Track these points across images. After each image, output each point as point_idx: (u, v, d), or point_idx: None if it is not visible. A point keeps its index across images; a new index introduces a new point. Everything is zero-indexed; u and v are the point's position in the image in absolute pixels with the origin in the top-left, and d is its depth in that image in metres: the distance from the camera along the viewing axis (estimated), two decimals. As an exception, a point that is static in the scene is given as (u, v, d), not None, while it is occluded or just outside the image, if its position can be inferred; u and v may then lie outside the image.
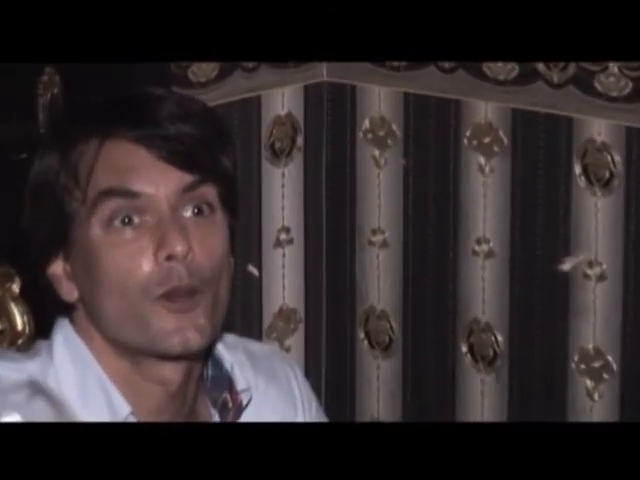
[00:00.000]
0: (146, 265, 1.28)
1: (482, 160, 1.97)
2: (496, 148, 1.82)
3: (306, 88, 2.29)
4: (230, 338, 1.48)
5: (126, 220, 1.29)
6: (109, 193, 1.29)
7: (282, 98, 2.31)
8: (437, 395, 2.05)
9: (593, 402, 1.89)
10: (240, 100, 2.23)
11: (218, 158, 1.35)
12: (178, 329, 1.28)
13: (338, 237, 2.30)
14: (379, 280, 2.17)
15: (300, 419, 1.58)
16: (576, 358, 1.86)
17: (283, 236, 2.24)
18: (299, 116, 2.28)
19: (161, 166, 1.30)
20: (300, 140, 2.28)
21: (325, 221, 2.34)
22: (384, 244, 2.17)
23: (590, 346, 1.87)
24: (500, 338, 1.94)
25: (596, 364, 1.83)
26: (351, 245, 2.26)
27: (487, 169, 1.89)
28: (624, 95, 1.71)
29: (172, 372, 1.34)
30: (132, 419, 1.37)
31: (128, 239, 1.30)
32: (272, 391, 1.53)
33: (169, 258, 1.26)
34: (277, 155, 2.27)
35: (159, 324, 1.29)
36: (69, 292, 1.34)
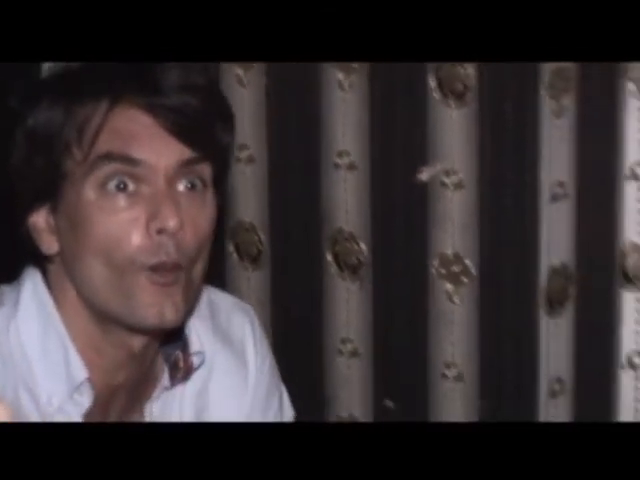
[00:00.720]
0: (137, 235, 1.32)
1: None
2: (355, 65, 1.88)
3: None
4: None
5: (121, 186, 1.32)
6: (109, 157, 1.31)
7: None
8: (304, 305, 2.14)
9: (454, 304, 1.97)
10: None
11: (219, 135, 1.40)
12: (157, 303, 1.32)
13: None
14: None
15: (249, 386, 1.65)
16: (436, 264, 1.93)
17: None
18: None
19: (164, 137, 1.33)
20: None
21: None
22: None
23: (449, 252, 1.94)
24: (363, 247, 1.99)
25: (455, 269, 1.92)
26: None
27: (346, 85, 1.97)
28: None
29: (138, 341, 1.37)
30: (87, 386, 1.40)
31: (121, 206, 1.33)
32: (226, 353, 1.60)
33: (160, 231, 1.29)
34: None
35: (140, 295, 1.33)
36: (49, 245, 1.36)
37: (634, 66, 2.03)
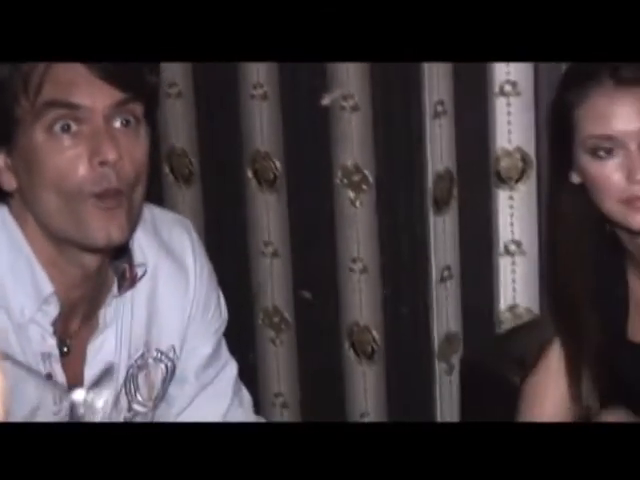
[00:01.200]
0: (82, 169, 1.47)
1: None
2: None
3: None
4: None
5: (65, 127, 1.47)
6: (53, 104, 1.47)
7: None
8: (230, 216, 2.47)
9: (356, 208, 2.26)
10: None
11: (147, 78, 1.55)
12: (104, 226, 1.47)
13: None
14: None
15: (190, 290, 1.81)
16: (340, 174, 2.23)
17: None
18: None
19: (99, 83, 1.48)
20: None
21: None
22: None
23: (349, 163, 2.24)
24: (278, 164, 2.32)
25: (356, 178, 2.22)
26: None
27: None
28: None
29: (91, 259, 1.54)
30: (53, 298, 1.57)
31: (66, 145, 1.49)
32: (169, 262, 1.76)
33: (102, 164, 1.45)
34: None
35: (89, 220, 1.49)
36: (8, 182, 1.52)
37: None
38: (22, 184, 1.55)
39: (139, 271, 1.67)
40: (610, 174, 1.82)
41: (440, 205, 2.35)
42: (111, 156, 1.46)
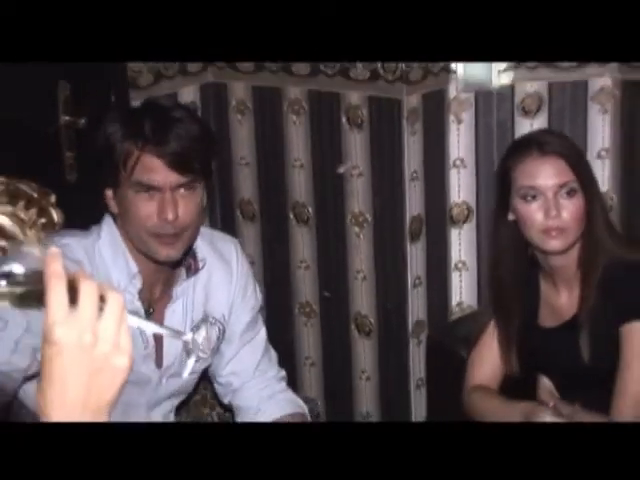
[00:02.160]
0: (151, 220, 2.08)
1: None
2: None
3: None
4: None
5: (145, 193, 2.08)
6: (140, 183, 2.07)
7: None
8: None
9: (359, 239, 2.95)
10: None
11: (205, 166, 2.17)
12: (164, 250, 2.11)
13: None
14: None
15: (233, 281, 2.43)
16: (349, 217, 2.93)
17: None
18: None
19: (168, 171, 2.07)
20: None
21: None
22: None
23: (356, 210, 2.92)
24: (310, 210, 2.98)
25: (360, 219, 2.89)
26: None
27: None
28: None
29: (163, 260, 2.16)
30: (138, 276, 2.17)
31: (144, 203, 2.10)
32: (219, 263, 2.39)
33: (164, 220, 2.06)
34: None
35: (153, 246, 2.12)
36: (113, 207, 2.15)
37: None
38: (120, 212, 2.15)
39: (200, 264, 2.29)
40: (534, 212, 2.41)
41: (414, 237, 3.02)
42: (170, 216, 2.08)
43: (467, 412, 2.69)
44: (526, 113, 3.14)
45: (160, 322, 2.23)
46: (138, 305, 2.22)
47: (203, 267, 2.32)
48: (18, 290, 1.28)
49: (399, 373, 3.26)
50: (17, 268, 1.29)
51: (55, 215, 1.77)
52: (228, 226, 3.30)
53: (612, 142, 3.21)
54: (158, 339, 2.26)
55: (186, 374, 2.24)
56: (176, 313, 2.31)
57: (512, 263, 2.58)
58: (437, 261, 3.22)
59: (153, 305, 2.30)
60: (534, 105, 3.14)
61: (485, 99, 3.17)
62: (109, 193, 2.19)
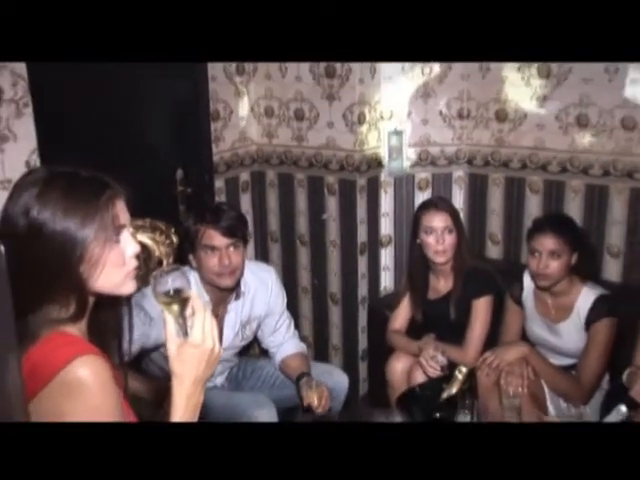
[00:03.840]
0: (214, 267, 2.95)
1: None
2: None
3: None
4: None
5: (210, 250, 2.94)
6: (206, 246, 2.94)
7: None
8: None
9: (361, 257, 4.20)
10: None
11: (243, 233, 3.03)
12: (224, 281, 2.98)
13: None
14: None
15: (268, 296, 3.22)
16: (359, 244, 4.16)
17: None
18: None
19: (223, 237, 2.93)
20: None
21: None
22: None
23: (362, 241, 4.16)
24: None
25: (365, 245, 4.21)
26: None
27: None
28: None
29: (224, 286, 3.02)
30: (209, 302, 2.94)
31: (210, 257, 2.94)
32: (261, 286, 3.23)
33: (223, 266, 2.93)
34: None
35: (216, 279, 2.99)
36: (193, 264, 2.99)
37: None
38: (197, 265, 2.95)
39: (242, 291, 3.10)
40: (430, 241, 3.28)
41: (362, 253, 4.00)
42: (226, 263, 2.88)
43: (389, 343, 3.57)
44: (420, 189, 4.16)
45: (220, 326, 2.96)
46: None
47: (248, 292, 3.15)
48: (180, 300, 1.57)
49: (351, 324, 4.25)
50: (184, 284, 1.58)
51: (174, 240, 2.93)
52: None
53: (465, 204, 4.15)
54: (220, 330, 2.95)
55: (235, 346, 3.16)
56: (230, 321, 3.12)
57: (417, 265, 3.50)
58: (373, 265, 4.22)
59: (218, 314, 3.00)
60: (424, 184, 4.16)
61: (399, 181, 4.16)
62: (190, 257, 3.02)
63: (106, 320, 1.65)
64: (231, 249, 2.88)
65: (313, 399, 2.85)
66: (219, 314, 3.00)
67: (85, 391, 1.41)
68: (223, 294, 3.02)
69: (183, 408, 1.54)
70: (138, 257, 1.59)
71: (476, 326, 3.32)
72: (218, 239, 2.86)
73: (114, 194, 1.55)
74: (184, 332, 1.55)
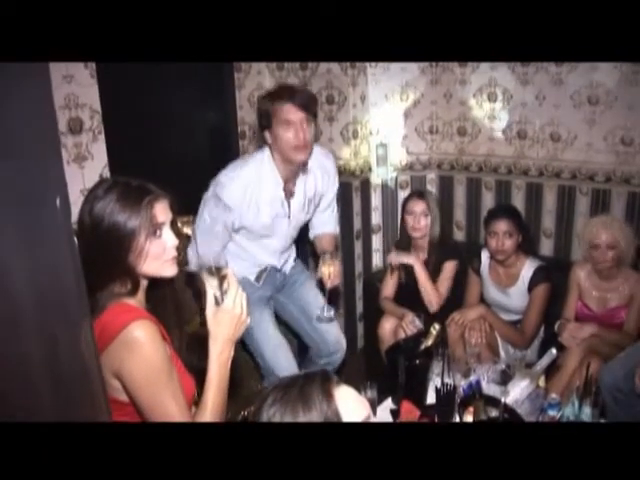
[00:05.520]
0: (290, 140, 2.49)
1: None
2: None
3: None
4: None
5: (286, 125, 2.47)
6: (283, 121, 2.47)
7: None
8: None
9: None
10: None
11: (315, 110, 2.55)
12: (299, 156, 2.52)
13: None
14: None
15: (327, 183, 2.81)
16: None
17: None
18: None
19: (298, 111, 2.47)
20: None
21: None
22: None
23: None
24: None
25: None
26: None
27: None
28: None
29: (295, 163, 2.56)
30: (281, 180, 2.57)
31: (286, 131, 2.49)
32: (321, 168, 2.77)
33: (299, 140, 2.49)
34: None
35: (293, 154, 2.51)
36: (269, 140, 2.55)
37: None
38: (273, 141, 2.55)
39: (310, 167, 2.68)
40: (409, 221, 3.32)
41: (357, 238, 3.97)
42: (301, 136, 2.49)
43: (381, 308, 3.48)
44: (402, 188, 4.16)
45: (288, 201, 2.67)
46: (282, 194, 2.64)
47: (310, 171, 2.73)
48: (219, 276, 1.57)
49: (350, 293, 4.18)
50: (222, 264, 1.58)
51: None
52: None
53: (436, 199, 3.76)
54: (289, 208, 2.68)
55: (302, 217, 2.77)
56: (299, 194, 2.73)
57: (403, 240, 3.48)
58: (366, 248, 4.17)
59: (287, 192, 2.67)
60: (404, 185, 4.15)
61: (385, 182, 4.15)
62: (266, 133, 2.58)
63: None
64: (304, 125, 2.52)
65: (324, 273, 2.65)
66: (289, 189, 2.68)
67: (138, 347, 1.45)
68: (293, 170, 2.67)
69: (216, 361, 1.57)
70: (178, 248, 1.62)
71: (443, 283, 3.37)
72: (294, 113, 2.49)
73: (154, 198, 1.58)
74: (220, 300, 1.57)
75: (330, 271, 2.61)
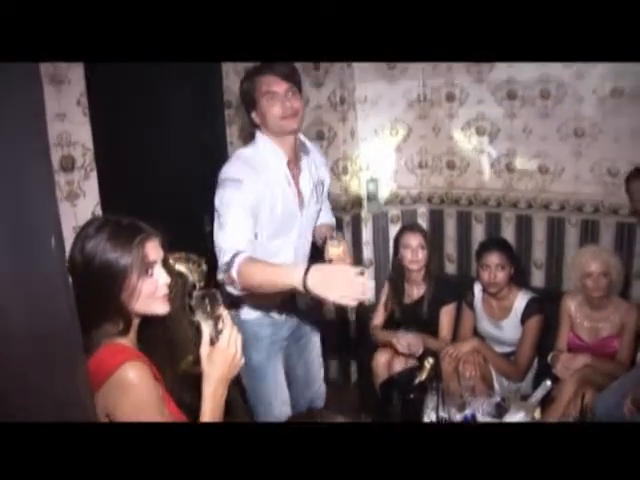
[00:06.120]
0: (277, 112, 2.31)
1: None
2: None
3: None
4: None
5: (270, 98, 2.33)
6: (267, 93, 2.33)
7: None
8: None
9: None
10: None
11: (299, 81, 2.40)
12: (290, 125, 2.34)
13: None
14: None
15: (324, 168, 2.62)
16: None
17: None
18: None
19: (282, 81, 2.32)
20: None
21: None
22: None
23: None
24: None
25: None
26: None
27: None
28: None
29: (290, 139, 2.38)
30: (284, 155, 2.36)
31: (272, 104, 2.33)
32: (316, 153, 2.58)
33: (286, 109, 2.32)
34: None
35: (285, 124, 2.34)
36: (257, 119, 2.38)
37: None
38: (261, 119, 2.39)
39: (309, 149, 2.52)
40: (406, 254, 3.26)
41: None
42: (287, 105, 2.33)
43: (372, 338, 3.47)
44: (393, 222, 4.17)
45: (297, 185, 2.46)
46: (288, 172, 2.44)
47: (310, 152, 2.56)
48: (214, 317, 1.59)
49: (344, 327, 4.08)
50: (217, 304, 1.57)
51: (204, 268, 2.52)
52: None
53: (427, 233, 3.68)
54: (300, 194, 2.48)
55: (313, 208, 2.55)
56: (305, 179, 2.53)
57: (397, 276, 3.46)
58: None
59: (293, 173, 2.48)
60: (395, 219, 4.17)
61: (376, 217, 4.18)
62: (253, 114, 2.43)
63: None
64: (289, 94, 2.37)
65: (332, 254, 2.37)
66: (295, 175, 2.49)
67: (130, 390, 1.46)
68: (291, 143, 2.47)
69: (210, 400, 1.57)
70: (169, 285, 1.63)
71: (447, 329, 3.41)
72: (277, 84, 2.35)
73: (145, 237, 1.58)
74: (215, 340, 1.58)
75: (339, 251, 2.40)
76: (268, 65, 2.34)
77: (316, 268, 1.79)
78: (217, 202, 2.25)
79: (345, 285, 1.75)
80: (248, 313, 2.50)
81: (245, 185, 2.26)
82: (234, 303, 2.43)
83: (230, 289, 2.11)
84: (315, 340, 2.84)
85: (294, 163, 2.49)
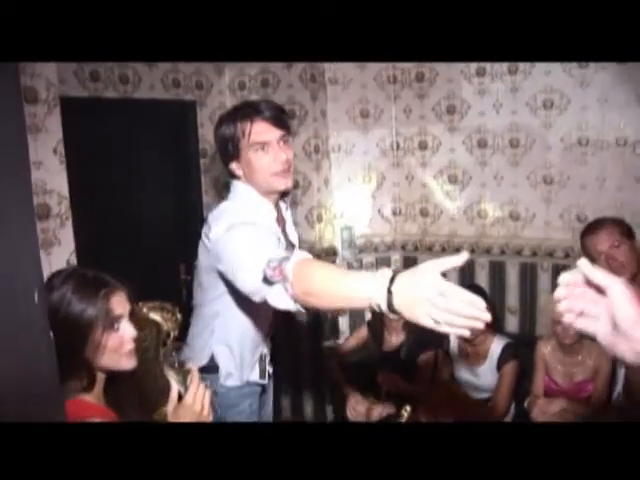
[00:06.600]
0: (269, 166, 2.04)
1: None
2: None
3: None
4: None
5: (260, 148, 1.99)
6: (256, 144, 1.99)
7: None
8: None
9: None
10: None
11: (290, 128, 2.08)
12: (284, 183, 2.05)
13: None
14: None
15: (291, 223, 2.33)
16: None
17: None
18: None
19: (274, 128, 2.03)
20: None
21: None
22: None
23: None
24: None
25: None
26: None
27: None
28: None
29: (271, 200, 2.11)
30: (273, 210, 2.12)
31: (262, 156, 2.01)
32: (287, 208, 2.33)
33: (280, 164, 2.04)
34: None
35: (276, 182, 2.06)
36: (239, 172, 2.07)
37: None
38: (245, 171, 2.08)
39: (287, 201, 2.30)
40: None
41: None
42: (283, 158, 2.04)
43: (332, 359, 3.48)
44: (367, 269, 3.98)
45: (285, 233, 2.23)
46: (276, 227, 2.17)
47: (289, 206, 2.37)
48: (182, 372, 1.59)
49: (319, 374, 4.01)
50: (186, 360, 1.66)
51: (179, 317, 2.11)
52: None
53: None
54: (292, 246, 2.25)
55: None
56: (290, 229, 2.33)
57: (376, 323, 3.47)
58: (333, 329, 4.08)
59: (282, 228, 2.25)
60: (370, 266, 4.11)
61: (351, 265, 4.09)
62: (233, 165, 2.07)
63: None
64: (281, 143, 2.02)
65: None
66: (283, 228, 2.22)
67: None
68: (275, 199, 2.15)
69: None
70: (135, 340, 1.59)
71: (425, 375, 3.39)
72: (268, 131, 2.00)
73: (110, 291, 1.56)
74: (183, 395, 1.59)
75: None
76: (254, 104, 2.03)
77: (404, 275, 1.36)
78: (230, 247, 1.84)
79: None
80: (228, 379, 2.28)
81: (259, 225, 1.93)
82: (212, 368, 2.25)
83: (277, 293, 1.60)
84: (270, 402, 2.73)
85: (279, 213, 2.23)
